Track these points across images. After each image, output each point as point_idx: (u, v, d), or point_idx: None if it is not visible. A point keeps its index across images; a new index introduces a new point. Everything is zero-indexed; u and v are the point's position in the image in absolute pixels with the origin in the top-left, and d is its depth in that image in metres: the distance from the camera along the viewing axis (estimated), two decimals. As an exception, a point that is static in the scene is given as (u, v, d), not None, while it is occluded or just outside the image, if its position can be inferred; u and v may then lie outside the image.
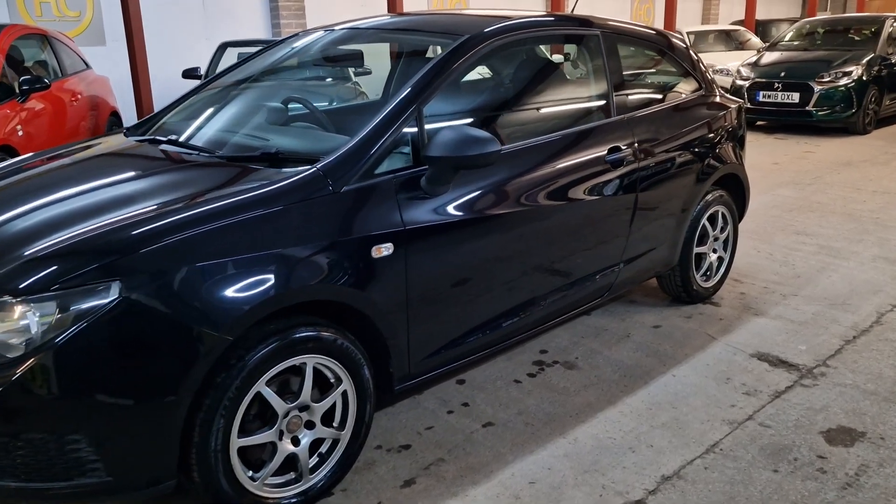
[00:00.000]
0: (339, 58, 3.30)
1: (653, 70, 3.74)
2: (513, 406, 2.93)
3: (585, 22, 3.22)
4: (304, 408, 2.24)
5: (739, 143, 4.01)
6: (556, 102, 3.20)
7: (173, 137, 2.79)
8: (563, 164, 2.88)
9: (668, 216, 3.49)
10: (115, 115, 7.69)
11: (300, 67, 3.39)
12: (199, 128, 2.91)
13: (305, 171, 2.25)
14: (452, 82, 2.66)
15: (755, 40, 14.44)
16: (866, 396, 2.98)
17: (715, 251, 3.98)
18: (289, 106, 3.00)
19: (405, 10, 10.40)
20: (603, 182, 3.04)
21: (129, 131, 3.10)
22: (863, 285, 4.21)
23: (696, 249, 3.82)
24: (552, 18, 3.09)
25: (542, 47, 3.47)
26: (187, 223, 2.00)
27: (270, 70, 3.26)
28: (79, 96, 6.75)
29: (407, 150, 2.47)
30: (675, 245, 3.63)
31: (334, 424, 2.35)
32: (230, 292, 1.98)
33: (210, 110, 3.07)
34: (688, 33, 14.33)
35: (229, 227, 2.03)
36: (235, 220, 2.05)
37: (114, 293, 1.85)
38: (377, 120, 2.40)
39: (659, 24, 16.32)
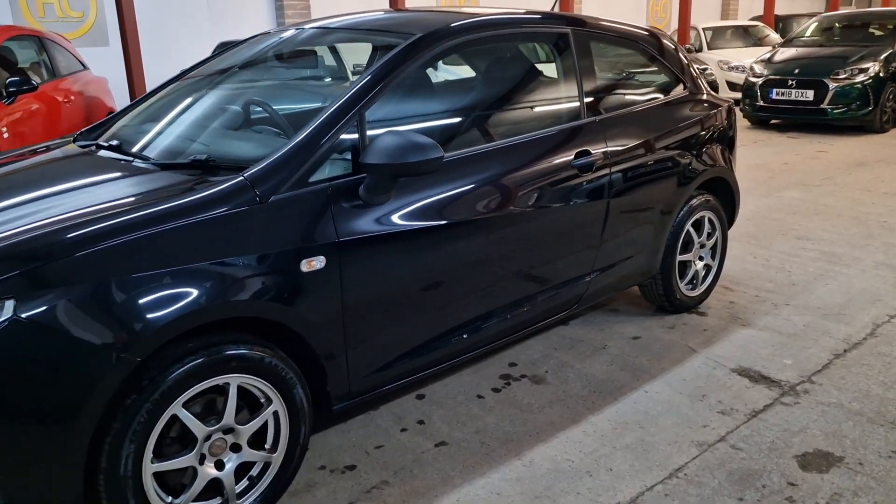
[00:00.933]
0: (292, 58, 3.17)
1: (632, 70, 3.57)
2: (470, 424, 2.79)
3: (554, 19, 3.06)
4: (230, 430, 2.12)
5: (728, 146, 3.82)
6: (519, 105, 3.04)
7: (115, 143, 2.68)
8: (523, 170, 2.73)
9: (645, 223, 3.32)
10: (113, 116, 7.64)
11: (264, 67, 3.27)
12: (147, 133, 2.80)
13: (230, 179, 2.13)
14: (403, 84, 2.52)
15: (774, 36, 14.11)
16: (849, 417, 2.80)
17: (701, 259, 3.80)
18: (251, 108, 2.88)
19: (406, 6, 10.25)
20: (569, 188, 2.88)
21: (80, 136, 3.01)
22: (861, 294, 4.00)
23: (680, 257, 3.64)
24: (515, 16, 2.94)
25: (528, 47, 3.31)
26: (96, 236, 1.89)
27: (235, 70, 3.14)
28: (73, 97, 6.71)
29: (348, 156, 2.33)
30: (656, 253, 3.46)
31: (266, 446, 2.22)
32: (137, 310, 1.86)
33: (167, 114, 2.95)
34: (703, 29, 14.04)
35: (140, 241, 1.91)
36: (147, 232, 1.93)
37: (7, 312, 1.74)
38: (312, 126, 2.27)
39: (674, 20, 15.99)
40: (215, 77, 3.04)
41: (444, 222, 2.47)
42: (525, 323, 2.91)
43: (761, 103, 9.62)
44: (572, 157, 2.90)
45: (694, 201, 3.59)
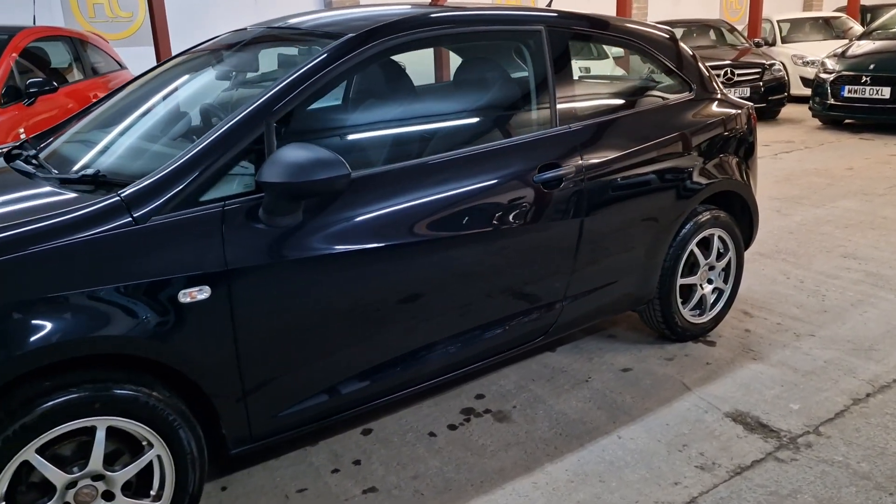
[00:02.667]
0: (237, 63, 2.93)
1: (624, 71, 3.19)
2: (411, 467, 2.51)
3: (524, 16, 2.73)
4: (100, 477, 1.92)
5: (745, 155, 3.39)
6: (474, 113, 2.73)
7: (32, 153, 2.52)
8: (470, 186, 2.42)
9: (634, 243, 2.95)
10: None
11: (208, 73, 3.03)
12: (77, 143, 2.63)
13: (104, 199, 1.92)
14: (326, 90, 2.25)
15: (858, 29, 13.11)
16: (854, 481, 2.37)
17: (710, 282, 3.39)
18: (188, 116, 2.68)
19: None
20: (529, 207, 2.55)
21: (23, 144, 2.87)
22: (903, 325, 3.50)
23: (682, 280, 3.25)
24: (474, 13, 2.62)
25: (495, 47, 2.98)
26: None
27: (181, 76, 2.95)
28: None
29: (253, 172, 2.09)
30: (649, 276, 3.09)
31: (151, 493, 2.01)
32: (-27, 347, 1.67)
33: (104, 122, 2.77)
34: (779, 22, 13.19)
35: (-11, 268, 1.73)
36: (4, 258, 1.74)
37: None
38: (205, 139, 2.04)
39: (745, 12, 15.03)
40: (160, 83, 2.85)
41: (367, 247, 2.20)
42: (479, 356, 2.61)
43: (832, 101, 8.88)
44: (535, 171, 2.57)
45: (699, 218, 3.19)
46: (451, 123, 2.65)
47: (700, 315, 3.39)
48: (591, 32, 2.92)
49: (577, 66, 3.41)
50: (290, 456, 2.59)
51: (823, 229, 5.05)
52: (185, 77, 2.80)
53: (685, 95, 3.20)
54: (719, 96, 3.36)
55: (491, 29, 2.67)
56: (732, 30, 11.70)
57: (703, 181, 3.12)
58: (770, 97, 9.93)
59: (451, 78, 2.87)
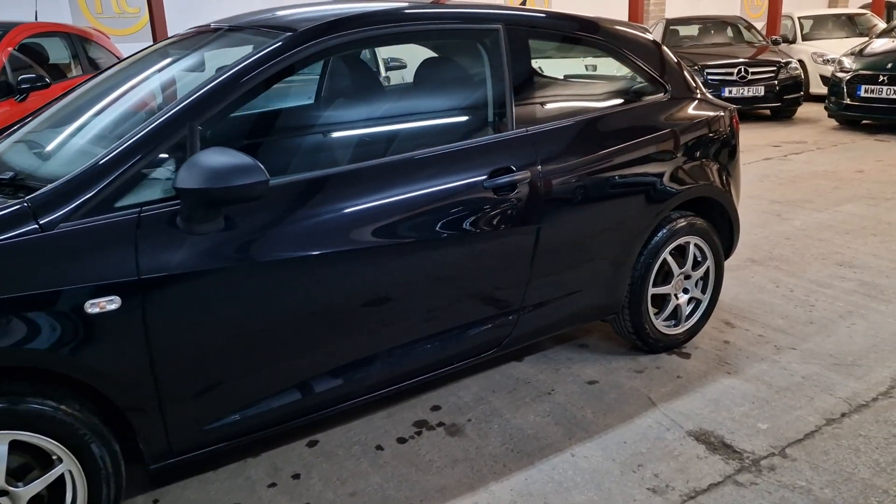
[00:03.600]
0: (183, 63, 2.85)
1: (592, 71, 3.07)
2: (350, 483, 2.42)
3: (480, 14, 2.62)
4: (4, 493, 1.85)
5: (724, 159, 3.25)
6: (422, 115, 2.62)
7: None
8: (412, 192, 2.32)
9: (599, 252, 2.83)
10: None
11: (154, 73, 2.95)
12: (21, 142, 2.57)
13: (9, 206, 1.85)
14: (258, 91, 2.17)
15: (882, 26, 12.76)
16: (813, 508, 2.24)
17: (686, 292, 3.25)
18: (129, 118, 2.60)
19: None
20: (480, 214, 2.45)
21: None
22: (891, 340, 3.33)
23: (654, 290, 3.12)
24: (427, 10, 2.51)
25: (449, 46, 2.88)
26: None
27: (127, 77, 2.87)
28: (100, 94, 6.73)
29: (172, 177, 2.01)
30: (617, 285, 2.96)
31: (63, 510, 1.95)
32: None
33: (59, 122, 2.71)
34: (800, 18, 12.89)
35: None
36: None
37: None
38: (122, 142, 1.96)
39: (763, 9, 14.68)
40: (109, 82, 2.78)
41: (294, 255, 2.10)
42: (422, 369, 2.51)
43: (848, 101, 8.64)
44: (485, 176, 2.46)
45: (673, 225, 3.06)
46: (395, 127, 2.55)
47: (675, 326, 3.26)
48: (555, 31, 2.80)
49: (584, 63, 3.31)
50: (229, 468, 2.52)
51: (823, 235, 4.87)
52: (132, 76, 2.72)
53: (659, 97, 3.06)
54: (699, 98, 3.22)
55: (443, 27, 2.56)
56: (749, 27, 11.44)
57: (676, 187, 2.99)
58: (785, 96, 9.69)
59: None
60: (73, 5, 9.00)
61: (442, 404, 2.89)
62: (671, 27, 11.44)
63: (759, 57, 9.92)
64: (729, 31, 11.52)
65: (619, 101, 2.99)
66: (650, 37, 3.10)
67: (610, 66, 3.04)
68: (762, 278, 4.12)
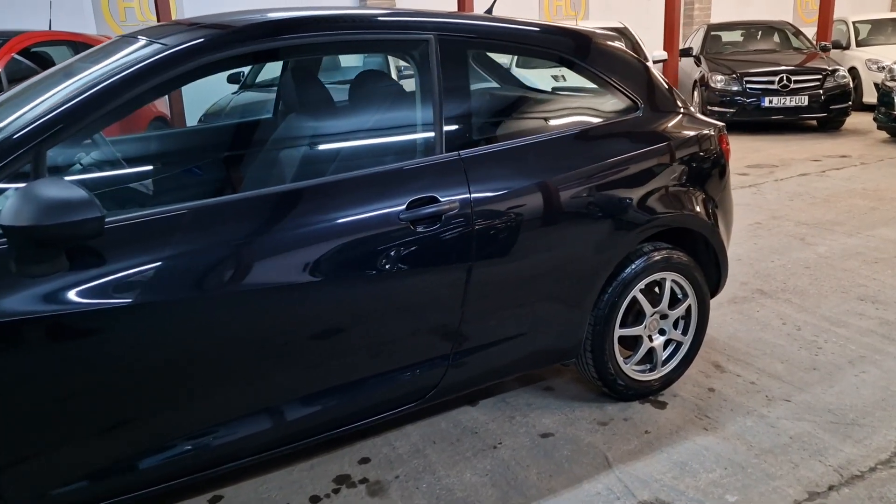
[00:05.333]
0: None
1: (550, 86, 2.73)
2: (241, 551, 2.15)
3: (408, 22, 2.31)
4: None
5: (710, 184, 2.87)
6: (329, 138, 2.33)
7: None
8: (312, 224, 2.03)
9: (548, 289, 2.50)
10: (162, 121, 7.60)
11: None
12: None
13: None
14: (126, 113, 1.92)
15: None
16: None
17: (662, 333, 2.89)
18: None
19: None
20: (396, 249, 2.15)
21: None
22: (905, 393, 2.90)
23: (623, 331, 2.77)
24: (346, 18, 2.22)
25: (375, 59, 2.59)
26: None
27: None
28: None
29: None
30: (574, 327, 2.62)
31: None
32: None
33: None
34: (855, 23, 12.18)
35: None
36: None
37: None
38: (-50, 169, 1.74)
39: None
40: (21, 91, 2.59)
41: (163, 299, 1.84)
42: (327, 424, 2.21)
43: (898, 113, 8.01)
44: (402, 206, 2.16)
45: (645, 259, 2.70)
46: (302, 151, 2.27)
47: (650, 371, 2.89)
48: (500, 42, 2.48)
49: (552, 74, 2.99)
50: (117, 526, 2.27)
51: (848, 264, 4.39)
52: (32, 91, 2.52)
53: (630, 114, 2.71)
54: (680, 115, 2.85)
55: (362, 38, 2.27)
56: (798, 32, 10.81)
57: (645, 217, 2.63)
58: (832, 106, 9.08)
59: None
60: (98, 14, 9.04)
61: (373, 456, 2.59)
62: (712, 33, 10.90)
63: (804, 64, 9.33)
64: (776, 37, 10.91)
65: (579, 118, 2.66)
66: (619, 46, 2.75)
67: (580, 78, 2.70)
68: (769, 313, 3.70)
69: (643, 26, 11.79)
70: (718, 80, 9.36)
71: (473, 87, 2.67)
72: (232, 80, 7.57)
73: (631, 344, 2.85)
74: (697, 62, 10.20)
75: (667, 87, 2.85)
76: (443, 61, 2.31)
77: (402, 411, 2.37)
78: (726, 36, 11.06)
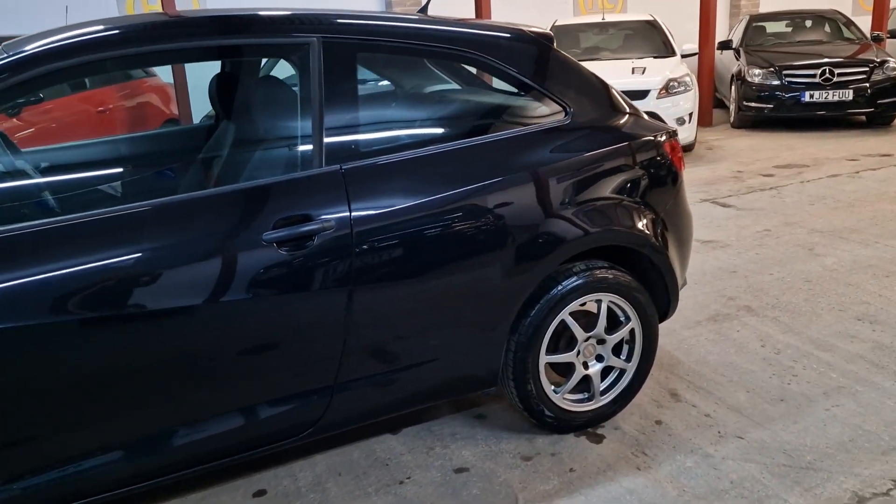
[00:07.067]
0: None
1: (458, 90, 2.51)
2: None
3: (288, 25, 2.12)
4: None
5: (654, 196, 2.60)
6: (183, 152, 2.16)
7: None
8: (175, 248, 1.88)
9: (449, 315, 2.28)
10: (174, 122, 7.63)
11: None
12: None
13: None
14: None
15: None
16: None
17: (599, 360, 2.63)
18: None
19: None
20: (260, 272, 1.97)
21: None
22: (876, 434, 2.56)
23: (550, 357, 2.53)
24: (207, 23, 2.04)
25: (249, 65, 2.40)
26: None
27: None
28: (112, 106, 6.71)
29: None
30: (490, 353, 2.40)
31: None
32: None
33: None
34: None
35: None
36: None
37: None
38: None
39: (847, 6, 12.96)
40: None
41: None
42: (183, 463, 2.04)
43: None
44: (267, 226, 1.98)
45: (574, 279, 2.45)
46: (145, 167, 2.11)
47: (588, 401, 2.64)
48: (397, 43, 2.26)
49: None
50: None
51: (855, 278, 4.00)
52: None
53: (552, 120, 2.46)
54: (617, 120, 2.58)
55: (235, 43, 2.10)
56: (849, 22, 10.15)
57: (570, 234, 2.39)
58: (880, 100, 8.47)
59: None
60: (122, 10, 9.14)
61: (270, 488, 2.43)
62: (755, 24, 10.34)
63: (850, 56, 8.73)
64: (827, 28, 10.27)
65: (494, 124, 2.42)
66: (539, 46, 2.48)
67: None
68: (749, 334, 3.38)
69: (684, 17, 11.28)
70: (755, 74, 8.85)
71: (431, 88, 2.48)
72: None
73: (563, 372, 2.61)
74: (737, 55, 9.68)
75: (604, 88, 2.58)
76: (327, 66, 2.11)
77: (281, 446, 2.19)
78: (771, 27, 10.47)
